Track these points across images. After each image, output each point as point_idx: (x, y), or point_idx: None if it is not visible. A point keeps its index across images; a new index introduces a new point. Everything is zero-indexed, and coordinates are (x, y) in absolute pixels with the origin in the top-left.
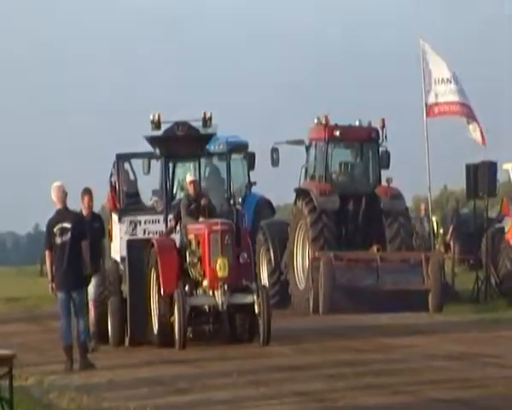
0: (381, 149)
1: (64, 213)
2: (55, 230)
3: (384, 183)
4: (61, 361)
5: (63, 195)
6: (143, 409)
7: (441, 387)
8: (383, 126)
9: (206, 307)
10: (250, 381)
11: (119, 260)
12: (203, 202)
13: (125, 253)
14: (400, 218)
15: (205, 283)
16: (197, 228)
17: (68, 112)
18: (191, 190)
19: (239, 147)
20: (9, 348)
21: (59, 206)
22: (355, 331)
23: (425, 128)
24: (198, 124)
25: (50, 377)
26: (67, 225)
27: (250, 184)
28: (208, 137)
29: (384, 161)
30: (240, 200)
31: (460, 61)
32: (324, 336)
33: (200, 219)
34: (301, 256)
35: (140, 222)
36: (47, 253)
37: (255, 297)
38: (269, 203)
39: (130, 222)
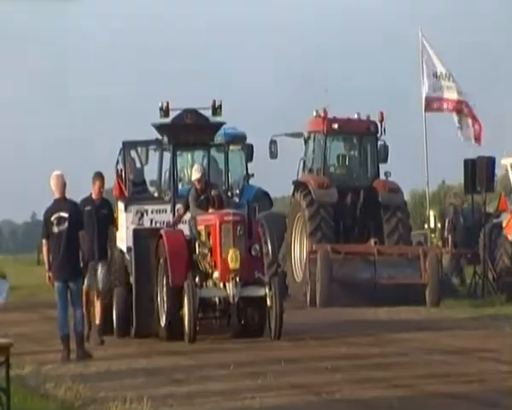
0: (379, 142)
1: (61, 203)
2: (52, 219)
3: (382, 176)
4: (57, 351)
5: (62, 184)
6: (140, 399)
7: (439, 381)
8: (382, 120)
9: (217, 299)
10: (247, 372)
11: (124, 249)
12: (213, 192)
13: (131, 242)
14: (398, 212)
15: (215, 274)
16: (208, 219)
17: (73, 99)
18: (198, 185)
19: (237, 138)
20: (6, 336)
21: (57, 195)
22: (352, 325)
23: (423, 122)
24: (207, 112)
25: (47, 366)
26: (64, 214)
27: (248, 176)
28: (218, 126)
29: (382, 154)
30: (237, 192)
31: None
32: (321, 329)
33: (210, 210)
34: (299, 248)
35: (147, 211)
36: (44, 242)
37: (267, 290)
38: (266, 195)
39: (137, 211)
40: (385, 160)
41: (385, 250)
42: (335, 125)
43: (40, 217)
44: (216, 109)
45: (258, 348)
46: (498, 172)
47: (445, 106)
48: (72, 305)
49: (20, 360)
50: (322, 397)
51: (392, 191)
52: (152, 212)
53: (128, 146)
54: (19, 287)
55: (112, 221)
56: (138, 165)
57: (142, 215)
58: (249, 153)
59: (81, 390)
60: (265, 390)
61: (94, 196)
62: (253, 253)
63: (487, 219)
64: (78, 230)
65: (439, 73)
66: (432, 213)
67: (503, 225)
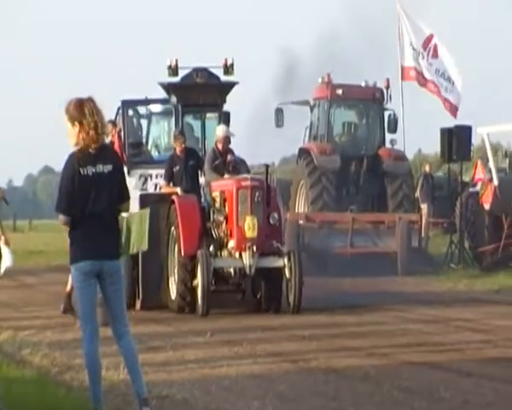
0: (388, 113)
1: None
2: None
3: (388, 145)
4: (34, 317)
5: None
6: (116, 366)
7: (414, 350)
8: (388, 87)
9: (232, 270)
10: (223, 340)
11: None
12: (229, 157)
13: (134, 208)
14: (404, 185)
15: (231, 244)
16: (224, 184)
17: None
18: (222, 145)
19: None
20: None
21: None
22: (328, 294)
23: (400, 91)
24: (219, 71)
25: (23, 332)
26: None
27: None
28: (230, 86)
29: (391, 125)
30: None
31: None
32: None
33: (226, 175)
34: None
35: (151, 176)
36: None
37: (286, 261)
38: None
39: (141, 176)
40: (394, 130)
41: (361, 218)
42: (339, 91)
43: (17, 183)
44: (228, 68)
45: (236, 315)
46: (475, 141)
47: (418, 78)
48: None
49: None
50: (298, 365)
51: (397, 159)
52: (156, 176)
53: (127, 105)
54: None
55: None
56: (136, 125)
57: (146, 180)
58: (226, 120)
59: (57, 357)
60: (242, 358)
61: None
62: (271, 221)
63: (463, 188)
64: None
65: (414, 45)
66: None
67: (479, 193)
